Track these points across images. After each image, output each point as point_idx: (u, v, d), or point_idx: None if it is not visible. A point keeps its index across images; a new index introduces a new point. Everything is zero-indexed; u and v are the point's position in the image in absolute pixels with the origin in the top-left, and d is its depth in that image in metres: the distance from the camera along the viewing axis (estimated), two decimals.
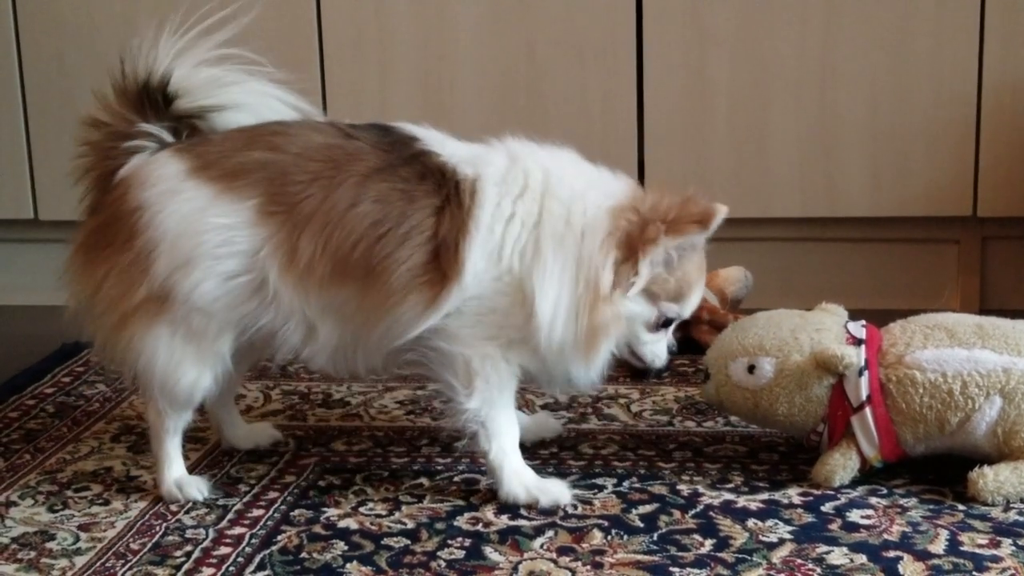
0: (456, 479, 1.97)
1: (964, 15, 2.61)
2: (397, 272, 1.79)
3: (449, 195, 1.81)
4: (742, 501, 1.87)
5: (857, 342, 1.91)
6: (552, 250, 1.80)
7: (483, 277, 1.81)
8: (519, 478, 1.88)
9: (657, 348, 1.91)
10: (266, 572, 1.71)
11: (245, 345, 1.89)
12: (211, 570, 1.72)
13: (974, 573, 1.66)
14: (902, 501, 1.86)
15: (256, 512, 1.88)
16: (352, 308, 1.82)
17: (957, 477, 1.88)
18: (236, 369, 1.95)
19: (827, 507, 1.84)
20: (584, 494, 1.90)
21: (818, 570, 1.67)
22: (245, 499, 1.92)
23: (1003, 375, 1.85)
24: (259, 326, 1.84)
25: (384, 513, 1.86)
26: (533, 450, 2.06)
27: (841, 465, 1.89)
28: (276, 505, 1.90)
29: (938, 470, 1.93)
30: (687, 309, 1.90)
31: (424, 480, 1.97)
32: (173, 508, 1.89)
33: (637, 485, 1.93)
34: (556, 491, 1.87)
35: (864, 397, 1.88)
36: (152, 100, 1.87)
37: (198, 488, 1.92)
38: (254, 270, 1.81)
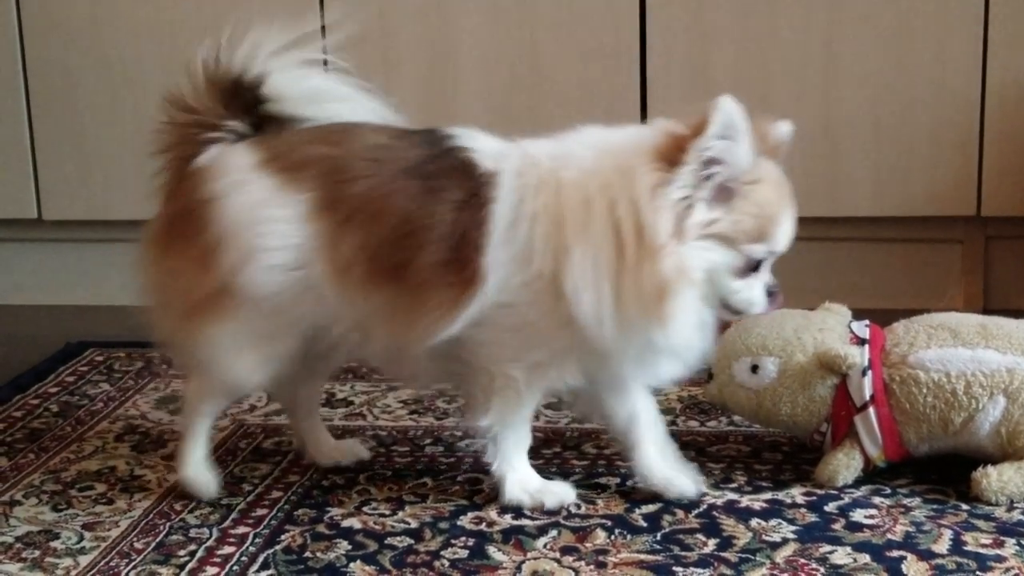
0: (459, 479, 1.97)
1: (968, 14, 2.61)
2: (420, 270, 1.75)
3: (471, 190, 1.75)
4: (745, 501, 1.87)
5: (860, 342, 1.91)
6: (579, 241, 1.71)
7: (511, 282, 1.73)
8: (522, 485, 1.86)
9: (752, 294, 1.76)
10: (270, 571, 1.71)
11: (319, 349, 1.85)
12: (215, 569, 1.72)
13: (978, 573, 1.66)
14: (906, 501, 1.86)
15: (260, 511, 1.88)
16: (390, 311, 1.78)
17: (961, 477, 1.88)
18: (316, 378, 1.95)
19: (830, 507, 1.84)
20: (587, 493, 1.90)
21: (821, 570, 1.67)
22: (249, 498, 1.92)
23: (1007, 375, 1.85)
24: (318, 326, 1.81)
25: (387, 512, 1.87)
26: (536, 450, 2.06)
27: (845, 465, 1.89)
28: (280, 504, 1.90)
29: (941, 470, 1.93)
30: (779, 244, 1.76)
31: (427, 479, 1.97)
32: (177, 507, 1.90)
33: (640, 484, 1.93)
34: (560, 491, 1.86)
35: (868, 397, 1.88)
36: (241, 97, 1.84)
37: (207, 487, 1.91)
38: (305, 266, 1.78)
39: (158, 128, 1.88)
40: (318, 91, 1.88)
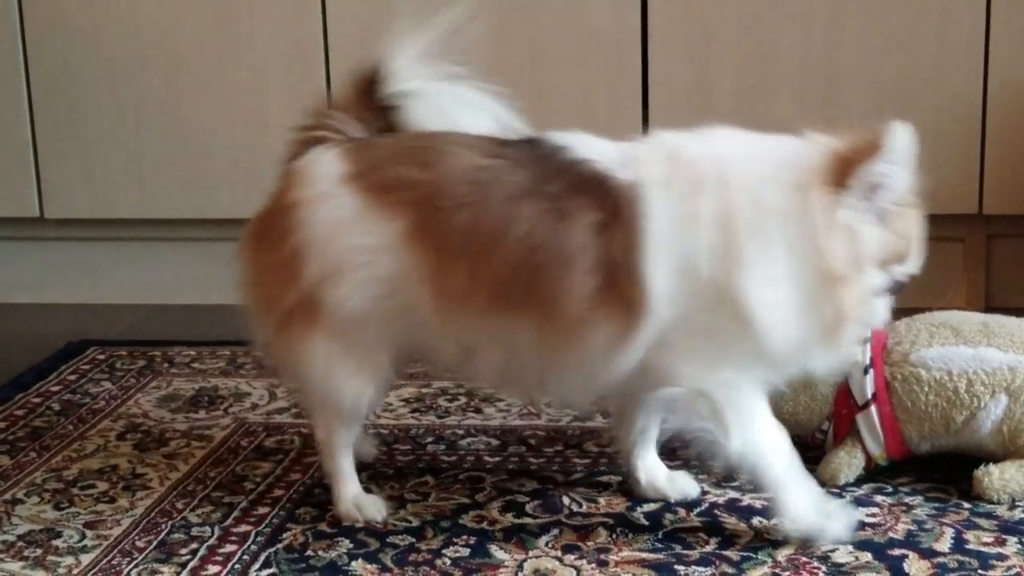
0: (461, 477, 1.97)
1: (969, 13, 2.60)
2: (569, 303, 1.63)
3: (610, 210, 1.63)
4: (747, 499, 1.87)
5: (862, 340, 1.91)
6: (753, 245, 1.62)
7: (679, 297, 1.63)
8: (807, 505, 1.72)
9: (881, 312, 1.75)
10: (272, 570, 1.71)
11: (403, 356, 1.82)
12: (217, 568, 1.72)
13: (979, 571, 1.66)
14: (907, 499, 1.86)
15: (261, 510, 1.88)
16: (525, 338, 1.68)
17: (962, 475, 1.88)
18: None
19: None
20: (589, 492, 1.90)
21: (823, 568, 1.67)
22: (251, 497, 1.92)
23: (1009, 373, 1.84)
24: (413, 343, 1.77)
25: (389, 511, 1.86)
26: (537, 448, 2.06)
27: (846, 463, 1.89)
28: (281, 503, 1.90)
29: (943, 468, 1.93)
30: (915, 265, 1.73)
31: (429, 478, 1.97)
32: (179, 505, 1.90)
33: (643, 484, 1.93)
34: (844, 516, 1.74)
35: (869, 395, 1.88)
36: (373, 97, 1.81)
37: (376, 508, 1.83)
38: (400, 294, 1.71)
39: (300, 124, 1.85)
40: (454, 98, 1.82)
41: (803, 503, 1.72)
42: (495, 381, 1.82)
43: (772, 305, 1.62)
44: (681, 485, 1.87)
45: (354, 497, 1.84)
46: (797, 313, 1.63)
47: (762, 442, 1.70)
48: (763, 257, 1.62)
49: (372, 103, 1.81)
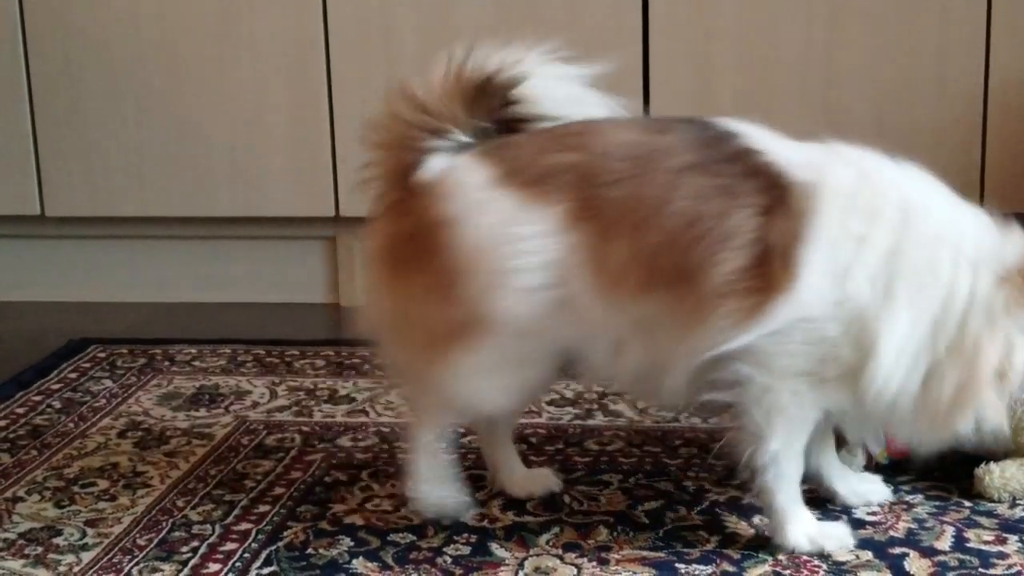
0: (462, 475, 1.97)
1: (971, 11, 2.60)
2: (713, 276, 1.62)
3: (779, 197, 1.63)
4: (748, 497, 1.87)
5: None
6: (908, 295, 1.61)
7: (822, 297, 1.61)
8: (803, 527, 1.72)
9: (993, 415, 1.68)
10: (272, 568, 1.71)
11: (554, 368, 1.78)
12: (217, 566, 1.72)
13: (980, 570, 1.66)
14: (908, 498, 1.86)
15: (262, 508, 1.88)
16: (662, 319, 1.66)
17: (963, 474, 1.88)
18: (517, 407, 1.88)
19: (833, 504, 1.84)
20: (589, 490, 1.91)
21: (824, 567, 1.67)
22: (251, 495, 1.92)
23: None
24: (565, 347, 1.72)
25: (390, 509, 1.87)
26: (539, 447, 2.06)
27: (848, 463, 1.89)
28: (282, 501, 1.90)
29: (944, 467, 1.93)
30: None
31: None
32: (179, 504, 1.90)
33: (643, 481, 1.93)
34: (839, 534, 1.73)
35: None
36: (488, 99, 1.74)
37: (459, 504, 1.82)
38: (561, 282, 1.67)
39: (379, 121, 1.77)
40: (574, 97, 1.78)
41: (798, 530, 1.71)
42: (631, 381, 1.76)
43: (899, 355, 1.61)
44: (876, 488, 1.85)
45: (436, 493, 1.81)
46: (916, 377, 1.62)
47: (792, 455, 1.69)
48: (914, 312, 1.61)
49: (482, 104, 1.75)
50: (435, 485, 1.81)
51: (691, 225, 1.63)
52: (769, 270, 1.61)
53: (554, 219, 1.66)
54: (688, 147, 1.67)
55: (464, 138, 1.74)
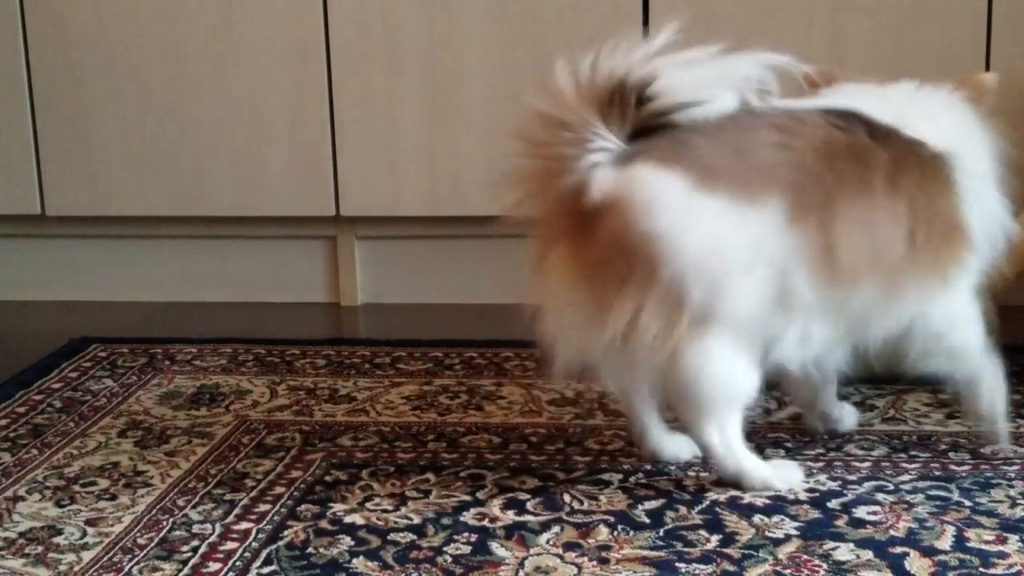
0: (462, 475, 1.97)
1: (971, 11, 2.60)
2: (915, 255, 1.81)
3: (944, 175, 1.85)
4: (748, 497, 1.87)
5: None
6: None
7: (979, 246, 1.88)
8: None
9: None
10: (273, 567, 1.71)
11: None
12: (218, 565, 1.72)
13: (981, 569, 1.66)
14: (908, 497, 1.86)
15: (263, 507, 1.88)
16: (865, 301, 1.82)
17: (964, 474, 1.88)
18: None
19: (833, 503, 1.84)
20: (590, 490, 1.91)
21: (824, 566, 1.67)
22: (251, 494, 1.92)
23: None
24: (769, 336, 1.80)
25: (390, 508, 1.87)
26: (539, 446, 2.07)
27: None
28: (282, 500, 1.90)
29: (945, 467, 1.93)
30: None
31: (430, 475, 1.97)
32: (180, 503, 1.90)
33: (643, 481, 1.93)
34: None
35: None
36: (622, 103, 1.75)
37: (792, 469, 1.92)
38: (780, 278, 1.75)
39: (518, 137, 1.78)
40: (701, 81, 1.80)
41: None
42: (806, 362, 1.87)
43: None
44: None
45: (768, 466, 1.91)
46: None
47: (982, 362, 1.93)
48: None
49: (617, 109, 1.75)
50: (759, 463, 1.90)
51: (909, 217, 1.80)
52: (950, 238, 1.84)
53: (771, 219, 1.73)
54: (876, 144, 1.82)
55: (609, 145, 1.75)
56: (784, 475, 1.90)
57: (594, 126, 1.74)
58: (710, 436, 1.86)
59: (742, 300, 1.75)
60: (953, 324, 1.89)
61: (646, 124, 1.76)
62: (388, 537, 1.78)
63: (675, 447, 1.98)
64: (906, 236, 1.80)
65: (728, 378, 1.80)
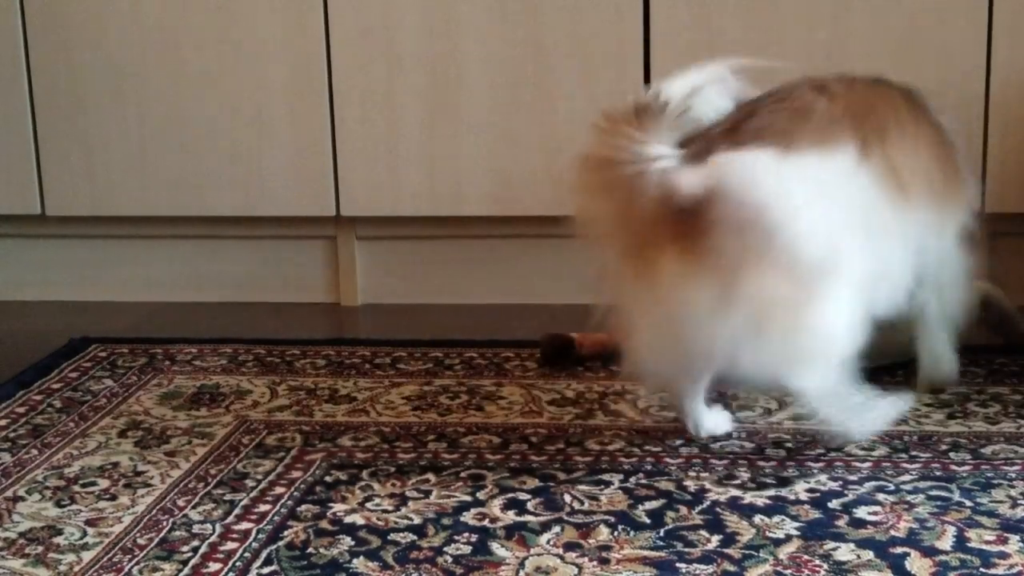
0: (463, 475, 1.97)
1: (972, 11, 2.60)
2: (946, 183, 2.01)
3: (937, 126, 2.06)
4: (749, 497, 1.87)
5: None
6: None
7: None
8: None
9: None
10: (273, 567, 1.71)
11: None
12: (218, 565, 1.72)
13: (981, 569, 1.66)
14: (909, 498, 1.86)
15: (263, 507, 1.88)
16: (924, 226, 1.97)
17: (965, 474, 1.88)
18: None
19: (834, 503, 1.84)
20: (590, 490, 1.90)
21: (825, 566, 1.67)
22: (252, 494, 1.92)
23: None
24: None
25: (391, 509, 1.87)
26: (539, 446, 2.06)
27: None
28: (283, 500, 1.90)
29: (946, 467, 1.93)
30: None
31: (431, 476, 1.97)
32: (180, 503, 1.90)
33: (643, 481, 1.93)
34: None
35: None
36: (651, 113, 1.82)
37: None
38: (868, 214, 1.87)
39: (591, 153, 1.85)
40: (700, 79, 1.88)
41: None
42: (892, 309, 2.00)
43: None
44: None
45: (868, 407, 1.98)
46: None
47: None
48: None
49: (668, 124, 1.82)
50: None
51: (939, 144, 2.03)
52: (952, 176, 2.04)
53: (849, 160, 1.86)
54: (898, 95, 2.04)
55: (665, 151, 1.80)
56: (884, 410, 2.00)
57: (652, 138, 1.80)
58: (820, 385, 1.90)
59: (849, 242, 1.83)
60: (951, 258, 2.06)
61: (678, 129, 1.84)
62: (388, 537, 1.78)
63: (713, 422, 2.07)
64: (938, 162, 1.99)
65: (846, 330, 1.85)
